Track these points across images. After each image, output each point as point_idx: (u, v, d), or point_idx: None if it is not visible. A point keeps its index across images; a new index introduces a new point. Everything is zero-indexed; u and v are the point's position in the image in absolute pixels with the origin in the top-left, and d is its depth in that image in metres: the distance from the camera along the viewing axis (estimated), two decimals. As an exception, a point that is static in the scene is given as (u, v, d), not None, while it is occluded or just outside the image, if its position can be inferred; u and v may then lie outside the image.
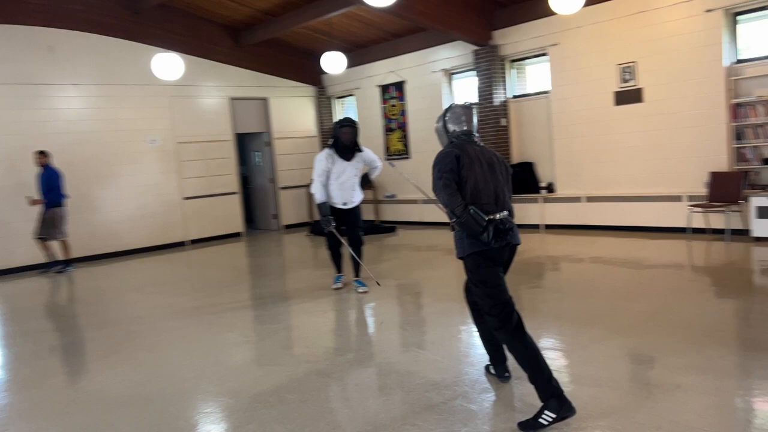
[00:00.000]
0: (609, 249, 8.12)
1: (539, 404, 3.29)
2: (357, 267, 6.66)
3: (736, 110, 7.91)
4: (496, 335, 3.46)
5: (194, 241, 11.83)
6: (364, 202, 6.83)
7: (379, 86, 12.30)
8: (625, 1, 8.71)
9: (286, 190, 13.21)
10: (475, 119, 3.66)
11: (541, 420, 3.09)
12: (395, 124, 12.13)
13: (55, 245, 9.56)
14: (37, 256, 9.66)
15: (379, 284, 6.67)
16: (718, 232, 7.98)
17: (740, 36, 8.02)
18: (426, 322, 5.52)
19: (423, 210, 11.72)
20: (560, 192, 9.85)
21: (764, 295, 5.72)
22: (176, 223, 11.66)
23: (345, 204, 6.43)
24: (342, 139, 6.31)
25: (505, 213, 3.41)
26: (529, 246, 8.39)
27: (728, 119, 7.98)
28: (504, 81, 10.40)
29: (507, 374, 3.77)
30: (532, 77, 10.47)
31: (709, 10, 7.98)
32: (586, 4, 7.92)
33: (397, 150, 12.06)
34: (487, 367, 3.92)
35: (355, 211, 6.59)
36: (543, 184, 10.04)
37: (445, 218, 11.07)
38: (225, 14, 11.37)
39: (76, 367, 5.07)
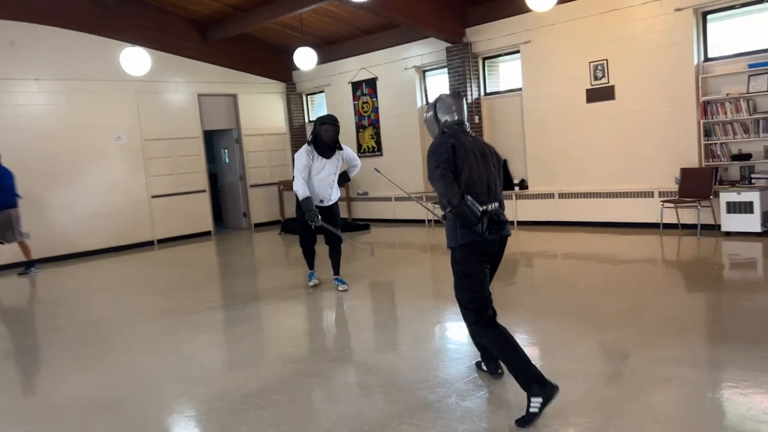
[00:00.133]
0: (583, 245, 8.21)
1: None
2: (336, 265, 6.57)
3: (706, 108, 8.07)
4: (471, 330, 3.44)
5: (162, 241, 11.56)
6: (335, 199, 6.74)
7: (351, 83, 12.21)
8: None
9: (256, 188, 13.02)
10: (465, 109, 3.62)
11: (531, 410, 3.09)
12: (367, 121, 12.06)
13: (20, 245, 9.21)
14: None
15: (373, 254, 6.41)
16: (689, 228, 8.14)
17: (709, 35, 8.18)
18: (407, 320, 5.46)
19: (396, 207, 11.69)
20: (533, 189, 9.92)
21: (737, 288, 5.84)
22: (144, 222, 11.37)
23: (322, 202, 6.34)
24: (323, 137, 6.21)
25: (497, 204, 3.40)
26: (504, 242, 8.41)
27: (698, 117, 8.13)
28: (477, 78, 10.42)
29: (500, 371, 3.74)
30: (505, 75, 10.51)
31: (678, 9, 8.11)
32: (559, 2, 7.98)
33: (369, 147, 12.00)
34: (478, 364, 3.89)
35: (333, 208, 6.50)
36: (516, 181, 10.10)
37: (420, 215, 11.08)
38: (193, 9, 11.13)
39: (50, 371, 4.87)
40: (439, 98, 3.61)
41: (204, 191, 12.22)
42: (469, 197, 3.21)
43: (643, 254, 7.39)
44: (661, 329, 4.45)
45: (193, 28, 11.71)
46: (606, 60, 8.85)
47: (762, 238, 7.36)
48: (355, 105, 12.22)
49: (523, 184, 10.05)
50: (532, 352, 4.15)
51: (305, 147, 6.24)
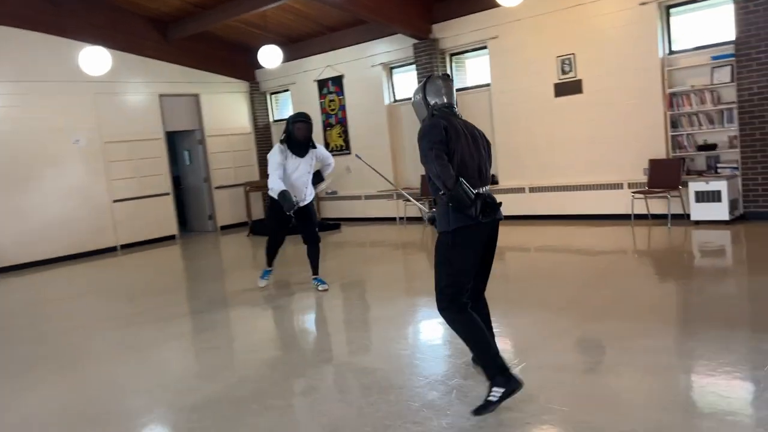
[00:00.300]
0: (557, 238, 8.28)
1: (536, 388, 3.26)
2: (315, 265, 6.45)
3: (672, 100, 8.23)
4: (442, 315, 3.36)
5: (126, 246, 11.21)
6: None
7: (317, 81, 12.06)
8: (562, -6, 8.90)
9: (222, 190, 12.74)
10: (454, 91, 3.52)
11: (490, 398, 3.10)
12: (334, 120, 11.93)
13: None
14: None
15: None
16: (659, 217, 8.28)
17: (673, 28, 8.33)
18: (394, 318, 5.37)
19: (366, 206, 11.60)
20: (503, 183, 9.96)
21: (714, 276, 5.96)
22: (106, 227, 11.00)
23: (297, 202, 6.22)
24: (296, 135, 6.08)
25: (488, 188, 3.36)
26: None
27: (664, 108, 8.28)
28: (444, 74, 10.40)
29: (498, 365, 3.70)
30: (472, 70, 10.53)
31: (643, 3, 8.24)
32: (526, -3, 8.02)
33: (338, 146, 11.87)
34: (474, 359, 3.84)
35: (309, 208, 6.38)
36: (486, 176, 10.11)
37: (390, 213, 10.99)
38: (152, 6, 10.81)
39: (12, 386, 4.61)
40: (429, 80, 3.51)
41: (168, 194, 11.91)
42: (463, 180, 3.14)
43: (617, 245, 7.48)
44: (656, 317, 4.49)
45: (153, 26, 11.38)
46: (573, 54, 8.94)
47: (730, 226, 7.53)
48: (321, 103, 12.08)
49: (493, 180, 10.08)
50: (532, 345, 4.14)
51: (278, 146, 6.11)
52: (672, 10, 8.29)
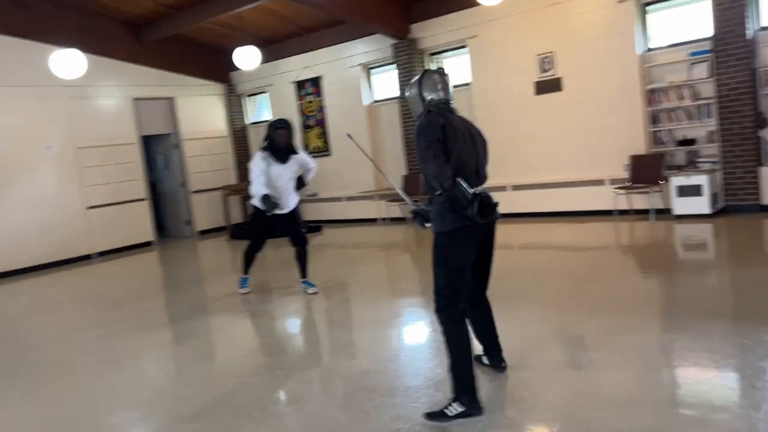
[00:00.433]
0: (542, 235, 8.30)
1: (546, 389, 3.23)
2: (303, 268, 6.36)
3: (651, 96, 8.32)
4: (436, 315, 3.31)
5: (102, 254, 10.94)
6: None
7: (294, 82, 11.94)
8: (540, -8, 8.93)
9: (199, 194, 12.53)
10: (451, 87, 3.44)
11: (447, 411, 3.08)
12: (313, 121, 11.83)
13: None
14: None
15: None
16: (641, 213, 8.36)
17: (651, 25, 8.43)
18: (389, 320, 5.30)
19: (347, 207, 11.52)
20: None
21: (701, 268, 6.03)
22: (80, 234, 10.72)
23: (282, 209, 6.14)
24: (277, 142, 6.02)
25: (485, 187, 3.30)
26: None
27: (644, 105, 8.37)
28: (424, 74, 10.38)
29: (503, 364, 3.67)
30: (452, 70, 10.52)
31: (621, 1, 8.31)
32: (505, -4, 8.03)
33: (317, 147, 11.76)
34: (478, 358, 3.79)
35: (294, 212, 6.32)
36: (468, 176, 10.10)
37: (371, 214, 10.91)
38: (124, 9, 10.57)
39: None
40: (425, 75, 3.42)
41: (144, 200, 11.67)
42: (460, 180, 3.07)
43: (603, 241, 7.53)
44: (656, 311, 4.50)
45: (126, 29, 11.13)
46: (553, 52, 8.99)
47: (712, 219, 7.63)
48: (299, 105, 11.96)
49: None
50: (535, 344, 4.11)
51: (260, 153, 6.03)
52: (649, 8, 8.38)
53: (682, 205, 7.86)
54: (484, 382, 3.53)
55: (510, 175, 9.68)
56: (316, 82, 11.61)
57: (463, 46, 9.97)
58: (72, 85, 9.99)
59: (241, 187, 12.24)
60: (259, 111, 13.15)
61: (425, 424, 3.09)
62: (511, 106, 9.46)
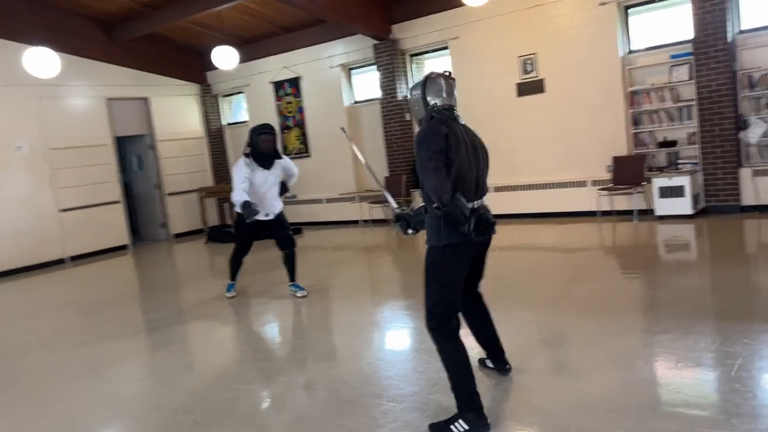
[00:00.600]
0: (527, 236, 8.31)
1: (558, 395, 3.19)
2: (292, 271, 6.25)
3: (633, 98, 8.40)
4: (429, 334, 3.25)
5: (75, 258, 10.64)
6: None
7: (273, 83, 11.79)
8: (522, -6, 8.95)
9: (175, 196, 12.28)
10: (456, 92, 3.34)
11: (452, 428, 2.97)
12: (292, 122, 11.68)
13: None
14: None
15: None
16: (624, 213, 8.43)
17: (632, 28, 8.51)
18: (383, 324, 5.24)
19: (328, 209, 11.41)
20: (467, 183, 9.94)
21: (688, 268, 6.08)
22: (53, 238, 10.41)
23: (267, 215, 6.03)
24: (261, 147, 5.90)
25: (483, 201, 3.22)
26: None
27: (625, 106, 8.45)
28: (405, 76, 10.35)
29: (507, 366, 3.62)
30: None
31: (602, 3, 8.38)
32: (487, -3, 8.01)
33: (297, 149, 11.63)
34: (482, 361, 3.73)
35: (280, 216, 6.22)
36: (449, 177, 10.09)
37: (353, 216, 10.79)
38: (97, 6, 10.29)
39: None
40: (429, 77, 3.28)
41: (118, 202, 11.39)
42: (458, 195, 2.97)
43: (587, 242, 7.57)
44: (654, 310, 4.51)
45: (98, 27, 10.85)
46: (535, 54, 9.02)
47: (693, 220, 7.73)
48: (278, 105, 11.81)
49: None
50: (538, 346, 4.08)
51: (243, 159, 5.90)
52: (630, 10, 8.46)
53: (664, 206, 7.95)
54: (486, 387, 3.47)
55: (492, 176, 9.47)
56: (295, 82, 11.48)
57: (444, 48, 9.95)
58: (43, 85, 9.67)
59: (217, 189, 12.04)
60: (236, 112, 12.95)
61: (424, 428, 3.03)
62: (494, 107, 9.46)
